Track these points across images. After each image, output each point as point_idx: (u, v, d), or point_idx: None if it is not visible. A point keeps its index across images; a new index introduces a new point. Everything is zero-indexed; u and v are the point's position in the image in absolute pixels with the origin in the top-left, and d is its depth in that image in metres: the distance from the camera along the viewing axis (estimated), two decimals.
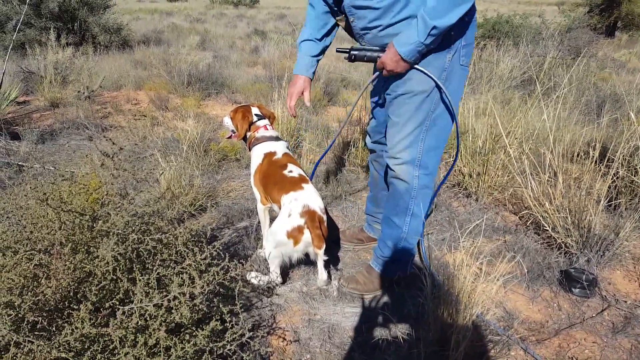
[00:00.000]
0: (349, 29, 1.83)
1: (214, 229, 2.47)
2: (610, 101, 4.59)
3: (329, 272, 2.06)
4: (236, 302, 1.42)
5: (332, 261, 2.24)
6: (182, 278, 1.38)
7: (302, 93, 2.00)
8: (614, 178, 2.58)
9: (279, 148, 2.18)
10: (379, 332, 1.80)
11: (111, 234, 1.42)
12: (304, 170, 2.10)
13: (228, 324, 1.40)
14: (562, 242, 2.31)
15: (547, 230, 2.36)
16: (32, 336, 1.18)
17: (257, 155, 2.18)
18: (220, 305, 1.46)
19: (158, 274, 1.39)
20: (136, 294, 1.29)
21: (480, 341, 1.70)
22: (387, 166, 1.87)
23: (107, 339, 1.28)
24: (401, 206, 1.87)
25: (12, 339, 1.17)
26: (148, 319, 1.29)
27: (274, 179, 2.03)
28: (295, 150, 3.53)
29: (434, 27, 1.46)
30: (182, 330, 1.40)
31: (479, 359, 1.65)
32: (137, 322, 1.25)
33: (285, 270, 2.12)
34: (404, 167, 1.79)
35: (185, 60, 6.33)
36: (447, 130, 1.81)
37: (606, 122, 3.41)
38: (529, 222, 2.57)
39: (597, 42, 8.31)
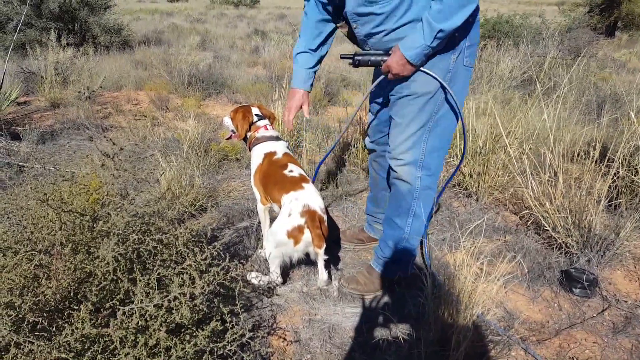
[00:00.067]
0: (351, 35, 1.82)
1: (215, 229, 2.47)
2: (610, 101, 4.59)
3: (329, 272, 2.06)
4: (236, 302, 1.42)
5: (332, 261, 2.24)
6: (182, 278, 1.38)
7: (301, 107, 1.99)
8: (614, 178, 2.58)
9: (279, 148, 2.18)
10: (380, 332, 1.80)
11: (111, 234, 1.42)
12: (304, 170, 2.10)
13: (228, 324, 1.40)
14: (563, 242, 2.31)
15: (548, 230, 2.36)
16: (32, 337, 1.18)
17: (257, 155, 2.18)
18: (221, 306, 1.46)
19: (158, 274, 1.39)
20: (136, 294, 1.29)
21: (481, 341, 1.70)
22: (390, 167, 1.86)
23: (107, 339, 1.28)
24: (403, 207, 1.86)
25: (13, 340, 1.17)
26: (148, 319, 1.29)
27: (274, 179, 2.03)
28: (295, 150, 3.53)
29: (440, 30, 1.46)
30: (183, 330, 1.40)
31: (480, 359, 1.65)
32: (138, 323, 1.25)
33: (286, 271, 2.12)
34: (406, 168, 1.79)
35: (186, 60, 6.33)
36: (451, 131, 1.80)
37: (606, 122, 3.41)
38: (530, 222, 2.57)
39: (597, 42, 8.31)
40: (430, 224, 2.62)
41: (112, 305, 1.31)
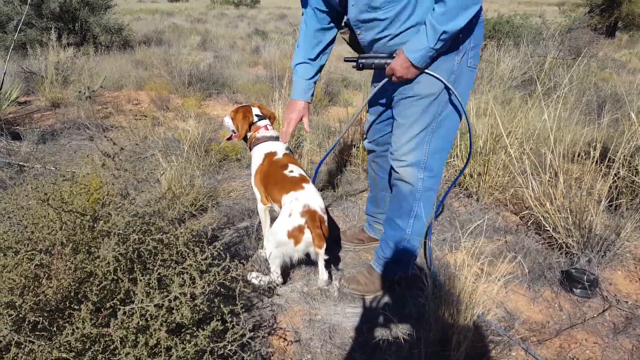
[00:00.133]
0: (353, 41, 1.81)
1: (215, 229, 2.47)
2: (610, 101, 4.58)
3: (329, 273, 2.06)
4: (237, 302, 1.42)
5: (333, 261, 2.24)
6: (183, 278, 1.38)
7: (301, 119, 1.98)
8: (615, 178, 2.58)
9: (280, 148, 2.18)
10: (380, 333, 1.80)
11: (112, 234, 1.42)
12: (304, 170, 2.10)
13: (229, 324, 1.40)
14: (563, 242, 2.30)
15: (548, 230, 2.36)
16: (33, 336, 1.18)
17: (257, 155, 2.18)
18: (221, 306, 1.46)
19: (159, 274, 1.39)
20: (137, 294, 1.29)
21: (481, 341, 1.70)
22: (391, 168, 1.86)
23: (108, 339, 1.28)
24: (405, 208, 1.86)
25: (13, 339, 1.17)
26: (149, 319, 1.29)
27: (275, 179, 2.03)
28: (295, 150, 3.53)
29: (444, 32, 1.45)
30: (183, 330, 1.40)
31: (480, 359, 1.65)
32: (138, 323, 1.25)
33: (286, 271, 2.12)
34: (409, 169, 1.78)
35: (186, 60, 6.33)
36: (453, 133, 1.80)
37: (607, 122, 3.40)
38: (530, 223, 2.57)
39: (597, 42, 8.31)
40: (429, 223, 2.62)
41: (112, 305, 1.31)
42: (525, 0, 39.69)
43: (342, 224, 2.69)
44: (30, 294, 1.25)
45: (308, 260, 2.01)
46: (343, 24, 1.85)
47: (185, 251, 1.49)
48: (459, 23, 1.45)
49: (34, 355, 1.18)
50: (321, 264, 1.95)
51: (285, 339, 1.76)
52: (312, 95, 1.98)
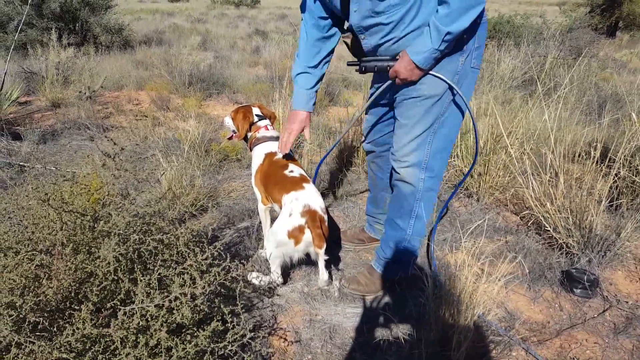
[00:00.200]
0: (355, 45, 1.80)
1: (215, 230, 2.47)
2: (611, 101, 4.58)
3: (330, 273, 2.06)
4: (237, 302, 1.42)
5: (333, 261, 2.24)
6: (183, 278, 1.38)
7: (302, 130, 1.98)
8: (615, 178, 2.58)
9: None
10: (380, 333, 1.80)
11: (112, 234, 1.42)
12: (304, 170, 2.10)
13: (229, 325, 1.40)
14: (564, 242, 2.30)
15: (549, 230, 2.36)
16: (33, 337, 1.18)
17: (258, 155, 2.18)
18: (222, 306, 1.46)
19: (159, 274, 1.39)
20: (137, 294, 1.30)
21: (482, 342, 1.70)
22: (392, 169, 1.85)
23: (108, 339, 1.28)
24: (405, 208, 1.86)
25: (14, 340, 1.17)
26: (149, 319, 1.29)
27: (275, 179, 2.03)
28: (296, 150, 3.53)
29: (448, 33, 1.45)
30: (184, 330, 1.40)
31: (481, 359, 1.65)
32: (139, 323, 1.25)
33: (287, 271, 2.12)
34: (410, 170, 1.78)
35: (187, 60, 6.34)
36: (454, 133, 1.79)
37: (607, 122, 3.40)
38: (530, 223, 2.57)
39: (598, 42, 8.30)
40: (431, 224, 2.62)
41: (113, 305, 1.31)
42: (526, 0, 39.68)
43: (343, 224, 2.69)
44: (30, 294, 1.25)
45: (308, 261, 2.01)
46: (345, 28, 1.84)
47: (186, 251, 1.49)
48: (463, 24, 1.44)
49: (34, 356, 1.18)
50: (321, 264, 1.95)
51: (285, 339, 1.76)
52: (314, 104, 1.96)
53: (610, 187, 2.45)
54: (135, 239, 1.42)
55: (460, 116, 1.74)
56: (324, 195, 2.92)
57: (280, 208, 1.96)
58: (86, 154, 3.54)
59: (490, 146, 2.90)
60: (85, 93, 4.81)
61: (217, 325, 1.34)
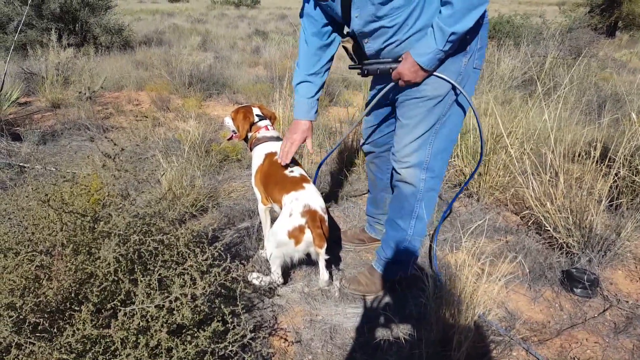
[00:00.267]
0: (356, 50, 1.79)
1: (216, 230, 2.47)
2: (611, 101, 4.59)
3: (330, 273, 2.06)
4: (238, 303, 1.42)
5: (333, 261, 2.24)
6: (183, 279, 1.38)
7: (305, 140, 1.97)
8: (615, 178, 2.58)
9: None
10: (381, 333, 1.80)
11: (112, 235, 1.42)
12: (305, 170, 2.10)
13: (230, 325, 1.40)
14: (564, 242, 2.30)
15: (549, 230, 2.36)
16: (33, 337, 1.18)
17: (258, 155, 2.18)
18: (222, 306, 1.46)
19: (159, 275, 1.39)
20: (138, 295, 1.29)
21: (482, 341, 1.70)
22: (393, 169, 1.85)
23: (108, 340, 1.28)
24: (406, 209, 1.86)
25: (14, 341, 1.17)
26: (149, 320, 1.29)
27: (275, 179, 2.03)
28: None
29: (453, 34, 1.44)
30: (184, 331, 1.40)
31: (481, 359, 1.65)
32: (139, 324, 1.25)
33: (287, 271, 2.12)
34: (411, 171, 1.77)
35: (187, 60, 6.34)
36: (456, 133, 1.79)
37: (607, 122, 3.40)
38: (531, 222, 2.57)
39: (597, 42, 8.30)
40: (431, 224, 2.62)
41: (113, 306, 1.31)
42: (526, 0, 39.69)
43: (343, 224, 2.69)
44: (30, 295, 1.25)
45: (309, 261, 2.01)
46: (345, 33, 1.83)
47: (186, 252, 1.49)
48: (467, 24, 1.44)
49: (34, 357, 1.18)
50: (322, 264, 1.95)
51: (286, 340, 1.76)
52: (316, 112, 1.95)
53: (610, 187, 2.46)
54: (136, 240, 1.42)
55: (461, 116, 1.74)
56: (324, 195, 2.91)
57: (281, 208, 1.96)
58: (86, 154, 3.53)
59: (490, 146, 2.90)
60: (85, 93, 4.81)
61: (218, 325, 1.34)
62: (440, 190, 2.48)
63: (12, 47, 4.86)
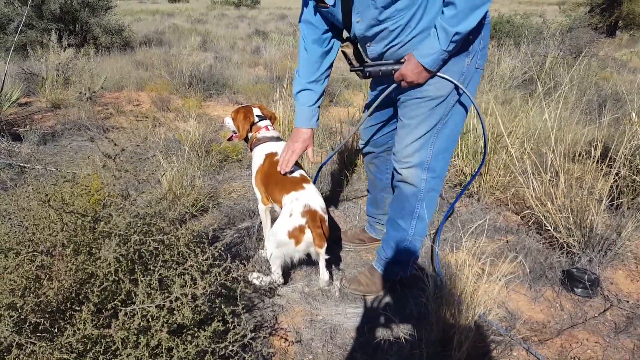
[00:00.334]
0: (356, 54, 1.79)
1: (216, 230, 2.47)
2: (611, 101, 4.58)
3: (330, 273, 2.06)
4: (238, 303, 1.42)
5: (334, 261, 2.24)
6: (184, 279, 1.38)
7: (306, 149, 1.96)
8: (616, 177, 2.58)
9: (280, 148, 2.18)
10: (381, 333, 1.80)
11: (113, 235, 1.42)
12: (305, 171, 2.10)
13: (230, 325, 1.40)
14: (564, 242, 2.30)
15: (549, 230, 2.36)
16: (34, 337, 1.19)
17: (258, 155, 2.18)
18: (222, 306, 1.46)
19: (160, 275, 1.39)
20: (138, 295, 1.30)
21: (483, 341, 1.70)
22: (394, 170, 1.85)
23: (109, 340, 1.28)
24: (407, 209, 1.85)
25: (15, 341, 1.17)
26: (150, 320, 1.29)
27: (275, 179, 2.03)
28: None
29: (456, 34, 1.44)
30: (184, 331, 1.40)
31: (482, 359, 1.65)
32: (139, 323, 1.25)
33: (287, 271, 2.12)
34: (412, 171, 1.77)
35: (187, 61, 6.33)
36: (457, 133, 1.79)
37: (607, 121, 3.40)
38: (531, 222, 2.57)
39: (598, 42, 8.29)
40: (431, 224, 2.62)
41: (113, 306, 1.31)
42: (526, 0, 39.67)
43: (343, 224, 2.69)
44: (31, 295, 1.25)
45: (309, 261, 2.01)
46: (344, 38, 1.83)
47: (187, 252, 1.49)
48: (470, 24, 1.43)
49: (35, 357, 1.18)
50: (322, 264, 1.95)
51: (286, 340, 1.76)
52: (318, 119, 1.94)
53: (611, 187, 2.46)
54: (136, 240, 1.42)
55: (462, 116, 1.74)
56: (324, 195, 2.91)
57: (281, 208, 1.96)
58: (86, 154, 3.54)
59: (490, 146, 2.90)
60: (85, 94, 4.81)
61: (218, 325, 1.34)
62: (441, 190, 2.48)
63: (12, 48, 4.87)
